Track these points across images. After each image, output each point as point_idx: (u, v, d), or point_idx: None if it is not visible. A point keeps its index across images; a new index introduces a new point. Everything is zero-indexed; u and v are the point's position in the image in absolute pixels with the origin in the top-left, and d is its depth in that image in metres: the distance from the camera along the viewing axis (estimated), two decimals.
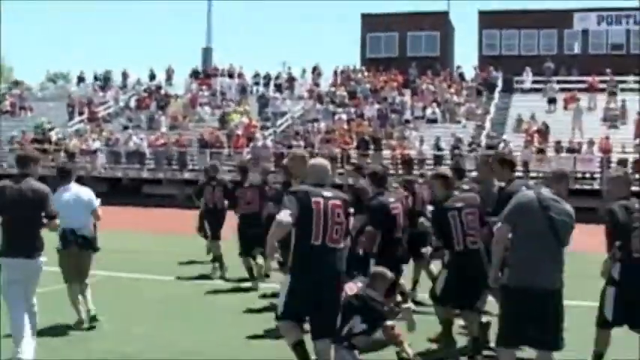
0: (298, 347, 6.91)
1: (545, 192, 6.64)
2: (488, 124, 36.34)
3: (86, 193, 9.80)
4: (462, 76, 42.57)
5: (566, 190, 6.88)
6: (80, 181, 10.39)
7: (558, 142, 31.74)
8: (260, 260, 13.06)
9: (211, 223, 14.46)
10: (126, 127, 38.73)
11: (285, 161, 11.17)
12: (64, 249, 9.65)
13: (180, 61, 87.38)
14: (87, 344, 8.95)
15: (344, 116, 36.80)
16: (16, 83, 49.37)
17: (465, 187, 9.67)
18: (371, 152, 32.59)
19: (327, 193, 6.80)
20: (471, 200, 8.57)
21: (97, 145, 35.76)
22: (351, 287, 7.85)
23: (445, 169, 9.42)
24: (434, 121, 36.91)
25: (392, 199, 9.18)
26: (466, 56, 67.27)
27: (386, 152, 32.48)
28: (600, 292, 7.50)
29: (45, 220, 7.86)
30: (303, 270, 6.76)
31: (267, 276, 13.10)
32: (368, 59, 47.25)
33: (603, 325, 7.48)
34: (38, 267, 7.83)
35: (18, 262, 7.68)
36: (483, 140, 33.51)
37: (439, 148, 32.11)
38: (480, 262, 8.10)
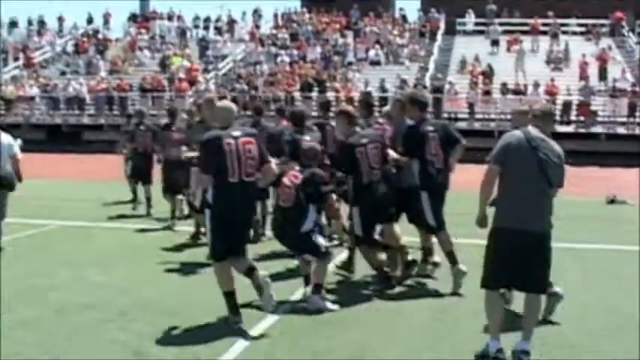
0: (230, 296, 7.35)
1: (534, 131, 6.47)
2: (432, 66, 36.33)
3: (5, 139, 10.34)
4: (404, 18, 42.32)
5: (550, 129, 6.75)
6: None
7: (504, 85, 31.79)
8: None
9: (143, 167, 14.85)
10: (63, 73, 37.81)
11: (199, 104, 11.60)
12: None
13: (117, 5, 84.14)
14: (46, 295, 8.66)
15: (286, 59, 36.43)
16: None
17: (381, 120, 9.87)
18: (314, 94, 32.34)
19: (236, 133, 7.27)
20: (373, 136, 8.89)
21: (34, 91, 34.82)
22: (292, 176, 8.21)
23: (348, 107, 9.87)
24: (377, 63, 36.72)
25: (306, 137, 9.50)
26: None
27: (330, 94, 32.23)
28: None
29: None
30: (226, 207, 7.25)
31: (189, 216, 12.90)
32: (309, 1, 46.59)
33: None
34: None
35: None
36: (427, 82, 33.44)
37: (384, 90, 31.93)
38: (385, 192, 8.69)
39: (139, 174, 14.98)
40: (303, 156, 8.47)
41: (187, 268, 9.97)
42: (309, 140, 9.26)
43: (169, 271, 9.89)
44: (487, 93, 31.71)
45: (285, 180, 8.18)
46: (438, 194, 8.93)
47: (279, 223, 8.39)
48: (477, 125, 31.14)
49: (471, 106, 31.29)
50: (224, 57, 37.90)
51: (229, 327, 7.23)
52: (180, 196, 12.97)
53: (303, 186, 8.06)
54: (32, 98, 34.00)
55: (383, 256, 9.06)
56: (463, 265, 8.65)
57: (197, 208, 10.28)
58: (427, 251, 9.38)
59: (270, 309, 7.52)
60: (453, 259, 8.79)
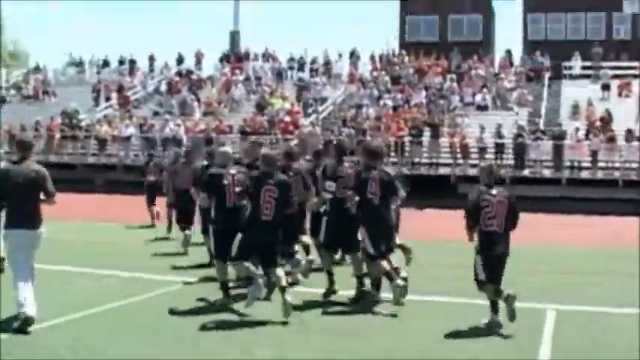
0: (225, 285, 10.63)
1: None
2: (543, 111, 34.31)
3: None
4: (510, 61, 40.32)
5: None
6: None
7: (630, 131, 29.44)
8: None
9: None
10: (156, 113, 36.61)
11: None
12: None
13: (206, 46, 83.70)
14: None
15: (389, 102, 34.65)
16: (37, 68, 47.25)
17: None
18: (426, 139, 30.49)
19: (232, 171, 10.52)
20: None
21: (130, 131, 33.57)
22: None
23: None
24: (484, 107, 34.77)
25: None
26: (506, 41, 64.81)
27: (443, 140, 30.43)
28: None
29: (43, 197, 9.27)
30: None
31: None
32: (407, 43, 44.94)
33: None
34: (39, 237, 9.24)
35: (22, 232, 9.09)
36: (542, 127, 31.47)
37: (500, 136, 29.90)
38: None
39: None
40: None
41: None
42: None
43: None
44: (611, 140, 29.40)
45: None
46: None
47: None
48: (600, 174, 28.95)
49: (594, 153, 29.04)
50: (323, 99, 36.29)
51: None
52: None
53: None
54: (128, 138, 32.70)
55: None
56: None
57: None
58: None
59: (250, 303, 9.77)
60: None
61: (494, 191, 9.53)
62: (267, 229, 9.81)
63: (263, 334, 9.10)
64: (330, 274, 11.09)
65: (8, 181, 9.09)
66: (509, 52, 40.86)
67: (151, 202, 20.30)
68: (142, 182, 20.90)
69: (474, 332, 9.36)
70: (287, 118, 32.15)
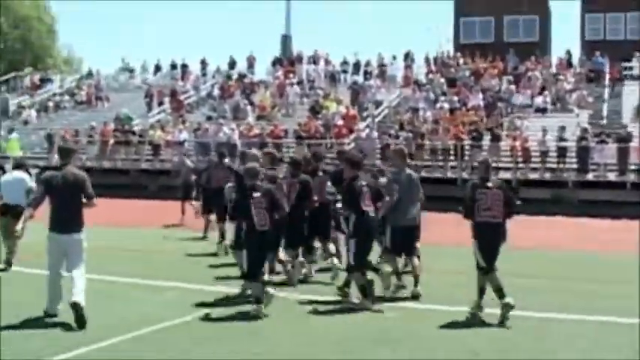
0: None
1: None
2: (605, 113, 33.39)
3: (19, 174, 13.87)
4: (569, 62, 39.35)
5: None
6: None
7: None
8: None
9: None
10: (209, 117, 36.27)
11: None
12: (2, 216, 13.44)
13: (257, 49, 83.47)
14: None
15: (446, 105, 33.93)
16: (90, 74, 47.34)
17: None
18: (485, 143, 29.74)
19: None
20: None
21: (184, 136, 33.28)
22: None
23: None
24: (543, 110, 33.91)
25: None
26: (563, 41, 63.66)
27: (504, 143, 29.67)
28: None
29: (84, 200, 9.75)
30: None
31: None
32: (461, 45, 44.19)
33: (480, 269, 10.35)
34: (80, 240, 9.68)
35: (59, 237, 9.55)
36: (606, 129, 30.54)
37: (561, 139, 29.04)
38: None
39: None
40: None
41: None
42: None
43: None
44: None
45: None
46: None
47: None
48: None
49: None
50: (378, 103, 35.69)
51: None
52: None
53: None
54: (181, 143, 32.40)
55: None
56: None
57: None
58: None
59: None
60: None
61: (489, 184, 10.16)
62: (265, 238, 10.33)
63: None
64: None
65: (50, 187, 9.69)
66: (568, 53, 39.81)
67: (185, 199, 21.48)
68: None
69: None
70: (341, 122, 31.54)
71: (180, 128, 34.04)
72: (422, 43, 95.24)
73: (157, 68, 45.75)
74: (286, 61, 43.47)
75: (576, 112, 33.47)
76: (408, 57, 41.31)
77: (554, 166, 29.09)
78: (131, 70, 47.22)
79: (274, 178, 11.67)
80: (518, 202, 11.88)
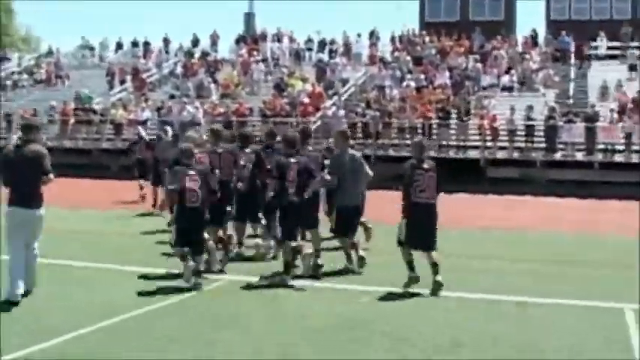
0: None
1: None
2: (571, 93, 33.31)
3: None
4: (535, 41, 39.20)
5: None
6: None
7: None
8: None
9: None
10: (172, 96, 35.62)
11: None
12: None
13: (220, 28, 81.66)
14: None
15: (412, 83, 33.57)
16: (50, 52, 46.32)
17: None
18: (453, 122, 29.48)
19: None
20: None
21: (146, 114, 32.62)
22: None
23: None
24: (510, 89, 33.73)
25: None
26: (529, 21, 63.00)
27: (473, 122, 29.45)
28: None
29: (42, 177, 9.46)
30: None
31: None
32: (427, 23, 43.82)
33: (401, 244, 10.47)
34: (38, 216, 9.53)
35: (20, 211, 9.34)
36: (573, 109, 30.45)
37: (529, 118, 28.86)
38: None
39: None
40: None
41: None
42: None
43: None
44: None
45: None
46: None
47: None
48: (634, 158, 27.89)
49: (627, 136, 27.97)
50: (344, 81, 35.26)
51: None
52: None
53: None
54: (144, 122, 31.75)
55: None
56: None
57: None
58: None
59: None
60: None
61: (425, 165, 10.44)
62: (194, 215, 10.64)
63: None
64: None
65: (9, 163, 9.56)
66: (534, 32, 39.70)
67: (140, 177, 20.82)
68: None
69: None
70: (307, 100, 31.06)
71: (143, 107, 33.39)
72: (387, 22, 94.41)
73: (119, 46, 44.94)
74: (250, 39, 42.84)
75: (542, 91, 33.35)
76: (373, 35, 40.91)
77: (523, 145, 28.92)
78: (91, 48, 46.30)
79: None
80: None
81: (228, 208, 12.36)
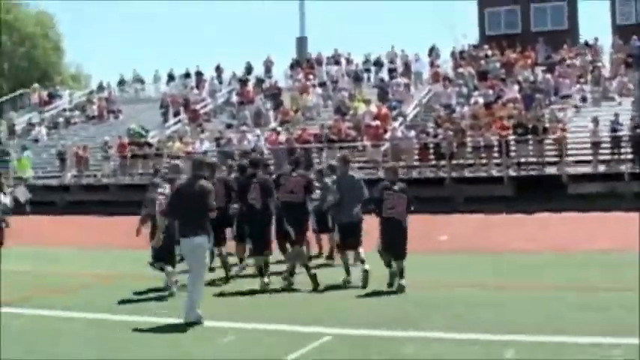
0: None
1: None
2: None
3: None
4: (601, 49, 37.34)
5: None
6: None
7: None
8: None
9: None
10: (229, 125, 34.33)
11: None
12: None
13: (271, 53, 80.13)
14: None
15: (480, 99, 31.89)
16: (101, 87, 45.52)
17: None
18: (530, 137, 27.67)
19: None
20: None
21: (205, 146, 31.34)
22: None
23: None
24: (583, 99, 31.89)
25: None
26: (591, 28, 60.80)
27: (551, 137, 27.61)
28: None
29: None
30: None
31: None
32: (487, 37, 42.16)
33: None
34: (197, 244, 10.51)
35: (187, 240, 10.54)
36: None
37: (614, 130, 26.94)
38: None
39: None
40: None
41: None
42: None
43: None
44: None
45: None
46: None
47: None
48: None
49: None
50: (408, 101, 33.65)
51: None
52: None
53: None
54: (204, 154, 30.47)
55: None
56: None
57: None
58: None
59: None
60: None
61: (396, 187, 12.41)
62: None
63: None
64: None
65: (178, 195, 10.85)
66: (596, 40, 37.85)
67: None
68: None
69: None
70: (375, 123, 29.47)
71: (202, 138, 32.08)
72: (437, 39, 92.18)
73: (170, 77, 43.91)
74: (305, 63, 41.52)
75: (618, 100, 31.47)
76: (433, 52, 39.41)
77: (607, 157, 27.02)
78: (142, 82, 45.44)
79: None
80: None
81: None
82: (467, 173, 27.17)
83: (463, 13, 75.66)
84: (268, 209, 12.92)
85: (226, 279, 13.69)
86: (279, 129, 31.60)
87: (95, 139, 36.43)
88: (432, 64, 38.34)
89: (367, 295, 12.02)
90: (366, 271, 12.51)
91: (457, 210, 25.11)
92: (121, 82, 45.87)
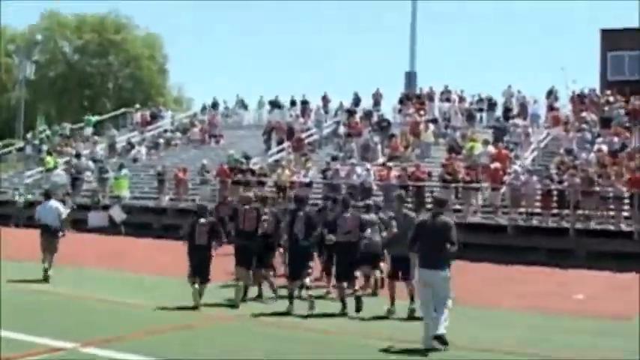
0: None
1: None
2: None
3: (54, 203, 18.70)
4: None
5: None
6: None
7: None
8: None
9: None
10: (334, 157, 32.92)
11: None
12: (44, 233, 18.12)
13: (379, 87, 78.87)
14: None
15: (604, 147, 29.74)
16: (204, 109, 44.90)
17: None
18: None
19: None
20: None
21: (310, 176, 30.03)
22: None
23: None
24: None
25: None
26: None
27: None
28: None
29: (448, 246, 11.40)
30: None
31: None
32: (609, 82, 39.92)
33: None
34: (444, 277, 11.36)
35: (427, 272, 11.43)
36: None
37: None
38: None
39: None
40: None
41: None
42: None
43: None
44: None
45: None
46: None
47: None
48: None
49: None
50: (525, 144, 31.78)
51: None
52: None
53: None
54: (308, 185, 29.20)
55: None
56: None
57: None
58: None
59: None
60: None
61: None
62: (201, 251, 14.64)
63: None
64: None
65: (422, 228, 11.88)
66: None
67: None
68: None
69: None
70: (494, 165, 27.65)
71: (308, 167, 30.77)
72: (548, 82, 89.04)
73: (275, 104, 42.93)
74: (415, 98, 40.01)
75: None
76: (551, 94, 37.43)
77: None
78: (246, 107, 44.68)
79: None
80: None
81: None
82: (593, 225, 25.09)
83: (575, 57, 72.74)
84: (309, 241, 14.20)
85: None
86: (389, 164, 29.97)
87: (195, 163, 35.50)
88: (550, 107, 36.39)
89: None
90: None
91: (578, 265, 23.08)
92: (214, 105, 45.16)
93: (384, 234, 14.78)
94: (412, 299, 13.75)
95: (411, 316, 13.50)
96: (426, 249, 11.47)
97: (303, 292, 14.37)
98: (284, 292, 14.77)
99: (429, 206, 25.71)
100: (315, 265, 15.45)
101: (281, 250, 16.37)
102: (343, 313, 13.88)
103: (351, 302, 13.95)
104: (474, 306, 14.52)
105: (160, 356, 10.15)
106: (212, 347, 11.11)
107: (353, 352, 11.13)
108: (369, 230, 14.70)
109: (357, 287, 14.32)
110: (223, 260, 15.61)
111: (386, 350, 10.97)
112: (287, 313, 13.79)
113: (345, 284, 14.17)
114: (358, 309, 13.86)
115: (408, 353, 10.90)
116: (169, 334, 11.98)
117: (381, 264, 16.06)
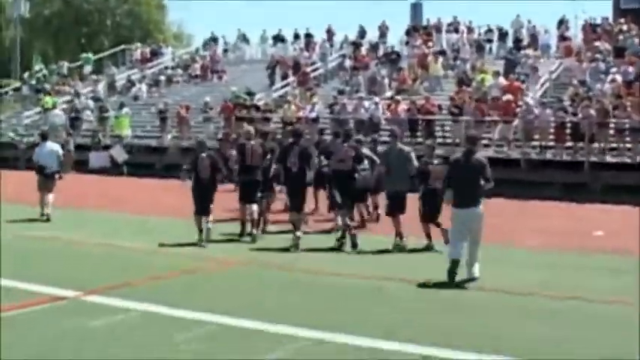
0: None
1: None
2: None
3: (52, 146, 18.76)
4: None
5: None
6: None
7: None
8: None
9: None
10: (341, 92, 32.04)
11: None
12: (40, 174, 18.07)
13: (384, 19, 76.46)
14: None
15: (618, 77, 28.82)
16: (208, 43, 43.84)
17: None
18: None
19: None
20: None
21: (316, 111, 29.21)
22: None
23: None
24: None
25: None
26: None
27: None
28: None
29: (482, 182, 11.25)
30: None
31: None
32: (622, 10, 38.73)
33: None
34: (478, 213, 11.27)
35: (465, 211, 11.25)
36: None
37: None
38: None
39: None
40: None
41: None
42: None
43: None
44: None
45: None
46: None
47: None
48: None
49: None
50: (536, 75, 30.84)
51: None
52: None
53: None
54: (315, 120, 28.41)
55: None
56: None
57: None
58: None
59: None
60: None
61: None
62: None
63: None
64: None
65: (457, 167, 11.54)
66: None
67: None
68: None
69: None
70: (505, 97, 26.80)
71: (314, 102, 29.92)
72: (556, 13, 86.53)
73: (278, 39, 41.86)
74: (422, 29, 38.94)
75: None
76: (562, 24, 36.34)
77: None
78: (248, 42, 43.65)
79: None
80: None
81: None
82: (608, 158, 24.35)
83: None
84: (304, 173, 14.28)
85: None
86: (397, 98, 29.12)
87: (197, 100, 34.65)
88: (561, 37, 35.37)
89: None
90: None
91: (594, 199, 22.37)
92: (214, 40, 44.06)
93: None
94: (399, 236, 14.19)
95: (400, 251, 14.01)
96: (462, 188, 11.24)
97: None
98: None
99: (439, 141, 25.33)
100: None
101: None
102: (340, 249, 14.13)
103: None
104: (494, 243, 13.71)
105: (167, 304, 9.53)
106: (218, 291, 10.64)
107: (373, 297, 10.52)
108: (365, 162, 14.84)
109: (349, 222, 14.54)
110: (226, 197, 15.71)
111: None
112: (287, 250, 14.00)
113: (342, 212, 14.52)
114: (354, 245, 14.02)
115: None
116: (174, 280, 11.39)
117: (377, 198, 16.76)
